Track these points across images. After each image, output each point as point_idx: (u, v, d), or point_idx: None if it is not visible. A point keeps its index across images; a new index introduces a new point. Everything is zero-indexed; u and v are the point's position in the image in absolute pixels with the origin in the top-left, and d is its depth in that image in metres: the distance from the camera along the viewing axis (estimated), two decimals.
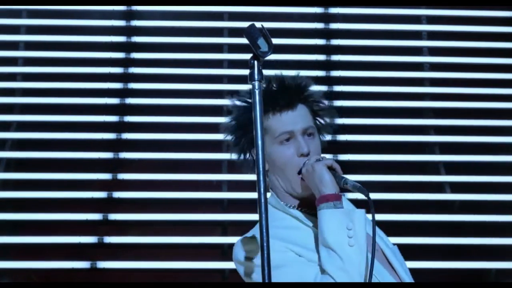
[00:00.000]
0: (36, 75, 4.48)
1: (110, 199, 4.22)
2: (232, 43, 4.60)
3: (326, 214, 1.96)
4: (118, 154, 4.31)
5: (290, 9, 4.66)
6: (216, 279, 4.11)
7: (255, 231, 2.04)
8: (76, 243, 4.11)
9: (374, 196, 1.96)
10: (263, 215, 1.71)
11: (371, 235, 1.94)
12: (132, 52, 4.55)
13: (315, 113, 2.16)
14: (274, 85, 2.12)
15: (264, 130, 1.87)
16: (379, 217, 1.94)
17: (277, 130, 2.08)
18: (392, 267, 2.07)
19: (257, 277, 2.01)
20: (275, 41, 1.78)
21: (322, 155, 2.11)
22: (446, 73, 4.62)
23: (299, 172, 2.06)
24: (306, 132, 2.10)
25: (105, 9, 4.59)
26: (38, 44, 4.56)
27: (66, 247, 4.12)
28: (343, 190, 2.02)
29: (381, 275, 1.99)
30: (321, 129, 2.17)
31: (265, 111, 1.97)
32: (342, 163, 2.15)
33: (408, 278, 2.07)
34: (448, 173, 4.41)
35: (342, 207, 1.98)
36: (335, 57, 4.61)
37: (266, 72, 1.85)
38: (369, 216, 1.97)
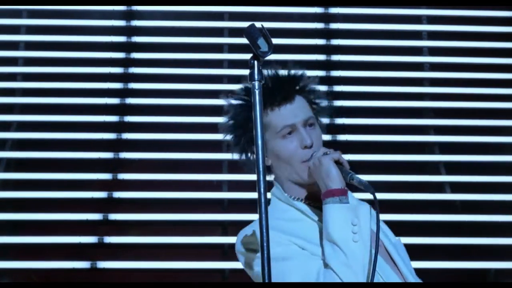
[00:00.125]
0: (36, 75, 4.48)
1: (110, 199, 4.22)
2: (232, 43, 4.59)
3: (332, 209, 1.96)
4: (118, 154, 4.31)
5: (290, 9, 4.66)
6: (216, 279, 4.11)
7: (257, 224, 2.05)
8: (76, 243, 4.11)
9: None
10: (263, 215, 1.71)
11: (375, 230, 1.94)
12: (132, 52, 4.55)
13: (312, 102, 2.16)
14: (269, 82, 2.11)
15: (264, 127, 1.86)
16: (380, 217, 1.95)
17: (278, 124, 2.08)
18: (394, 263, 2.07)
19: (257, 269, 2.01)
20: (275, 41, 1.78)
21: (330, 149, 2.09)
22: (446, 73, 4.62)
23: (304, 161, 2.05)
24: (307, 123, 2.09)
25: (105, 9, 4.59)
26: (38, 44, 4.56)
27: (66, 247, 4.11)
28: (349, 185, 2.01)
29: (383, 270, 1.99)
30: (319, 113, 2.17)
31: (263, 107, 1.97)
32: None
33: (409, 274, 2.07)
34: (448, 173, 4.41)
35: (348, 202, 1.98)
36: (335, 57, 4.61)
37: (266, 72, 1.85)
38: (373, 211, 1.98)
